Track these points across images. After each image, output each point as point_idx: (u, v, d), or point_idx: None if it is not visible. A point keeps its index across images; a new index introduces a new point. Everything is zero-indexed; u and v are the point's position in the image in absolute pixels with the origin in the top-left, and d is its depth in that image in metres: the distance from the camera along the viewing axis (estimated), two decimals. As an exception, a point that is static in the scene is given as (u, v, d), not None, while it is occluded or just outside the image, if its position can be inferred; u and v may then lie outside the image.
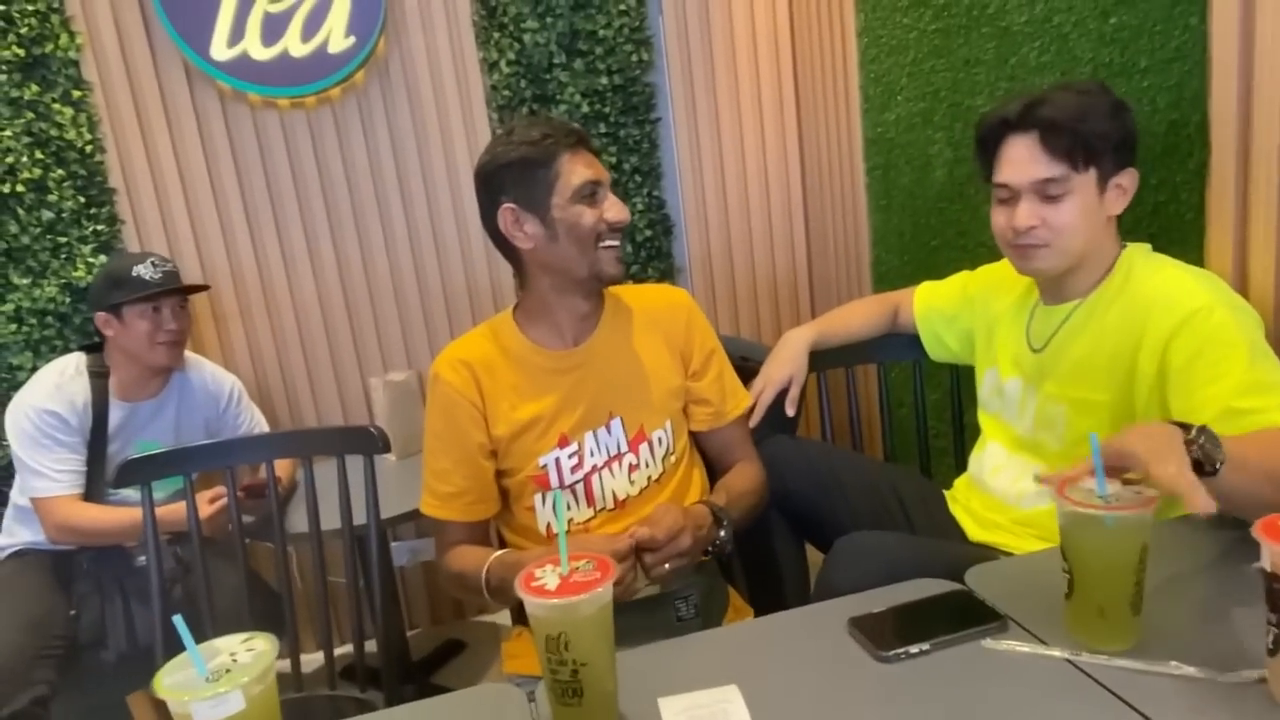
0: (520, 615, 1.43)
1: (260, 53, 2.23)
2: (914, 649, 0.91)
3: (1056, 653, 0.89)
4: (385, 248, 2.48)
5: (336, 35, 2.26)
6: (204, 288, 2.21)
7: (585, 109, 2.48)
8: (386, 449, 1.51)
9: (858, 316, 1.73)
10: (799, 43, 2.60)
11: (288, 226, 2.41)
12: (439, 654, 2.50)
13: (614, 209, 1.29)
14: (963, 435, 1.71)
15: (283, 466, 1.99)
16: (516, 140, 1.26)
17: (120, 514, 1.91)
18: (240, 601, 1.60)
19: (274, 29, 2.23)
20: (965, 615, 0.96)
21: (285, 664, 2.27)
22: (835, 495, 1.49)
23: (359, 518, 1.55)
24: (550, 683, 0.84)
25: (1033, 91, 1.25)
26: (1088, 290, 1.28)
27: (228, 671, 0.74)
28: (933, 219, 2.01)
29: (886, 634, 0.94)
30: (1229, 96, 1.25)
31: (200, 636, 0.76)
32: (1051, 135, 1.20)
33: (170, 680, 0.73)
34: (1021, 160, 1.23)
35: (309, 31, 2.25)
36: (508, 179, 1.27)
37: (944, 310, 1.60)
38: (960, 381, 1.70)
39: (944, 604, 1.00)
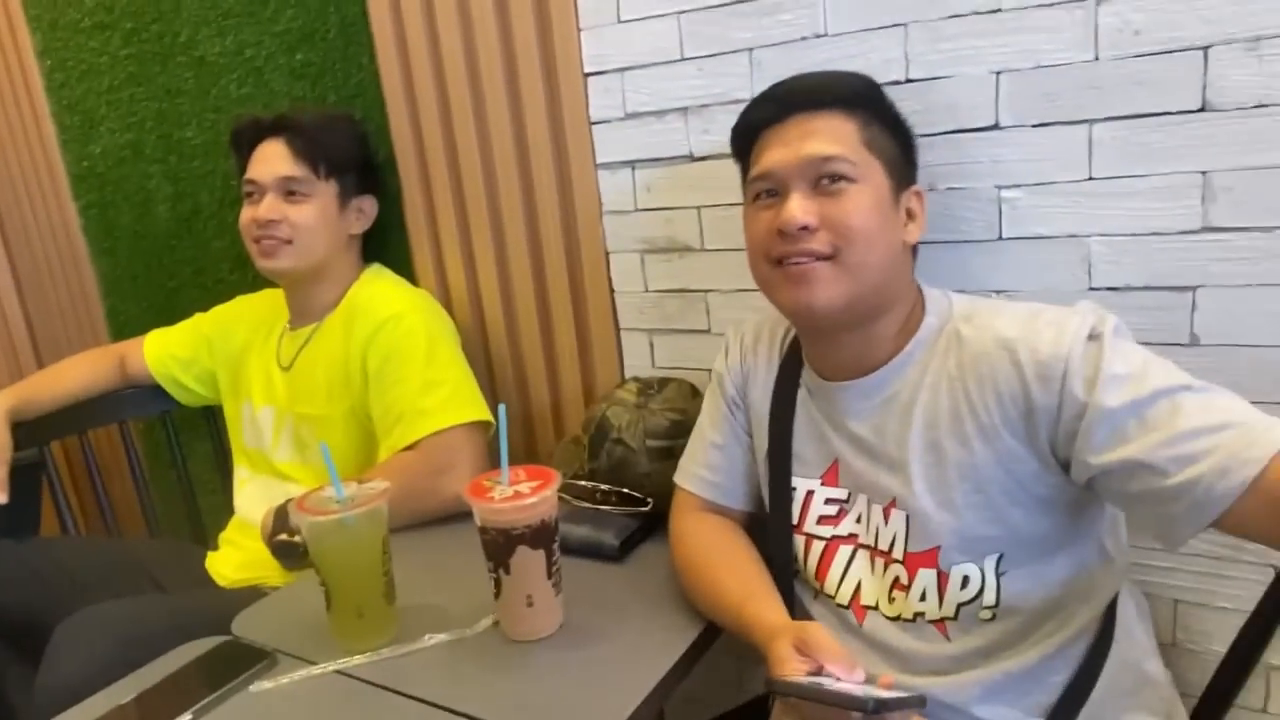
0: None
1: None
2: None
3: (324, 669, 0.88)
4: None
5: None
6: None
7: None
8: None
9: (70, 375, 1.50)
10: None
11: None
12: None
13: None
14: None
15: None
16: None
17: None
18: None
19: None
20: (234, 665, 0.89)
21: None
22: (66, 594, 1.24)
23: None
24: None
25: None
26: (325, 312, 1.34)
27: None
28: (165, 259, 1.84)
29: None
30: (404, 130, 1.40)
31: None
32: None
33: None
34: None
35: None
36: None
37: (179, 355, 1.50)
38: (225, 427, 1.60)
39: (213, 660, 0.91)
